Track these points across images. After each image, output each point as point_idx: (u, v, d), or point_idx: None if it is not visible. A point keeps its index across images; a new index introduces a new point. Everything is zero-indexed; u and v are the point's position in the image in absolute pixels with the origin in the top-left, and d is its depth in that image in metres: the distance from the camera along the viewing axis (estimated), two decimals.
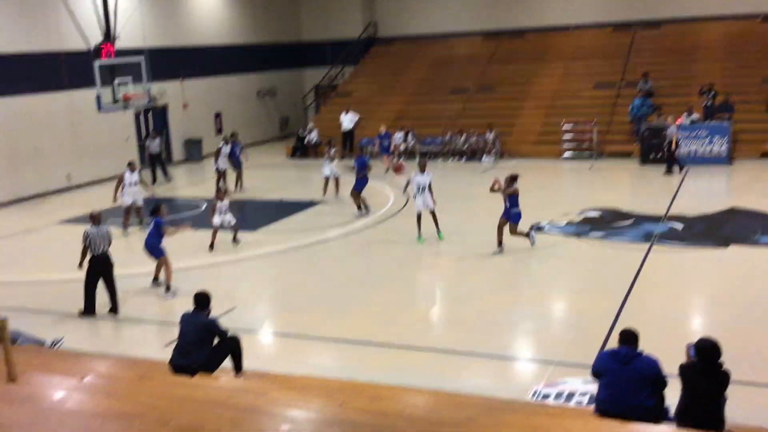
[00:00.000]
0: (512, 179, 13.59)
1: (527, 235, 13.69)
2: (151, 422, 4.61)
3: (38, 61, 21.19)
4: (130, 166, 16.46)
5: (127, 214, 16.38)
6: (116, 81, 17.95)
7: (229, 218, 14.72)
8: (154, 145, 22.16)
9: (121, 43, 19.59)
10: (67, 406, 5.15)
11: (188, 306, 8.12)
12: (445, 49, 30.61)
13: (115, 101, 18.01)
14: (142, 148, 25.04)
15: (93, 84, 17.70)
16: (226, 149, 20.18)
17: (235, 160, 20.40)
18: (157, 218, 12.32)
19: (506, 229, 13.57)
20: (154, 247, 12.24)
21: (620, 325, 8.38)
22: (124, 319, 11.36)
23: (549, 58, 28.17)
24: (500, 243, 13.54)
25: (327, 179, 18.78)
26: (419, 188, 14.50)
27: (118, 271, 11.60)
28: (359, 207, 17.02)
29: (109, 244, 11.42)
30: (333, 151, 18.94)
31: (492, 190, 13.58)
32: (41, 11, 21.17)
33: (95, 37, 18.13)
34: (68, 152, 22.27)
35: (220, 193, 14.95)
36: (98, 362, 8.04)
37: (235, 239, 14.98)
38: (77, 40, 18.27)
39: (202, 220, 16.07)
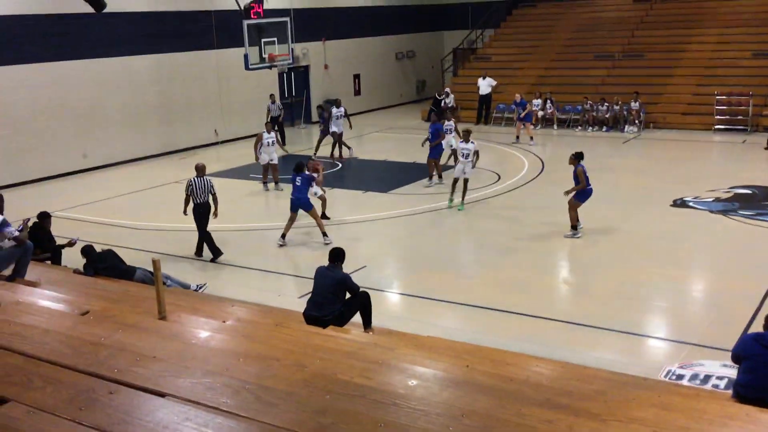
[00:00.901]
0: (576, 157, 12.74)
1: (574, 226, 12.79)
2: (289, 365, 4.85)
3: (192, 20, 22.31)
4: (267, 126, 17.28)
5: (265, 172, 17.15)
6: (263, 40, 18.55)
7: (316, 189, 13.94)
8: (274, 108, 22.15)
9: (268, 4, 20.26)
10: (212, 344, 5.51)
11: (319, 262, 8.41)
12: (592, 12, 29.44)
13: (261, 60, 18.64)
14: (284, 106, 25.92)
15: (240, 43, 18.40)
16: (338, 112, 20.01)
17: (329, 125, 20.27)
18: (303, 174, 12.89)
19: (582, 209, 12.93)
20: (305, 202, 12.85)
21: (766, 309, 7.93)
22: (262, 269, 11.93)
23: (704, 24, 26.46)
24: (574, 227, 12.90)
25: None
26: (463, 155, 14.71)
27: (256, 224, 12.06)
28: (430, 176, 16.87)
29: (212, 195, 12.19)
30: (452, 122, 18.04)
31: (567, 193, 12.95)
32: None
33: None
34: (216, 109, 23.41)
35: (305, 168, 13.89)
36: (238, 308, 8.51)
37: (324, 215, 14.13)
38: (228, 0, 19.04)
39: (337, 180, 16.46)
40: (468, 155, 14.72)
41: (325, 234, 12.90)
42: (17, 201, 15.61)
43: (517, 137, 21.96)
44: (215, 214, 12.30)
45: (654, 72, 25.09)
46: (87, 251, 10.07)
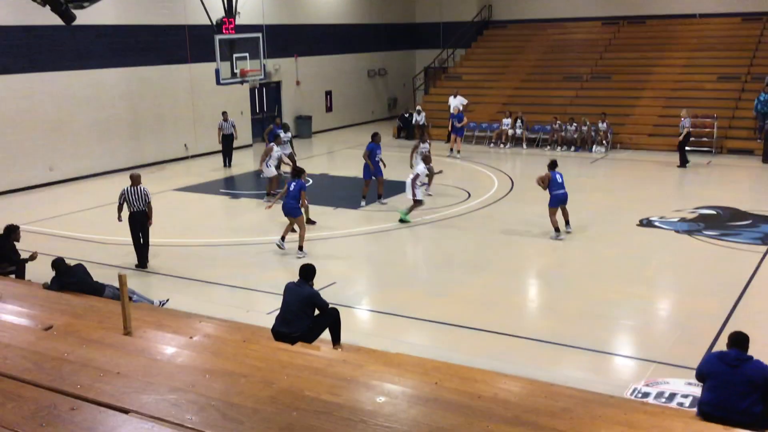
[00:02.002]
0: (550, 165, 14.13)
1: (556, 228, 13.84)
2: (256, 382, 4.81)
3: (164, 34, 22.21)
4: (277, 140, 17.57)
5: (270, 184, 17.25)
6: (234, 56, 18.51)
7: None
8: (227, 126, 21.61)
9: (241, 20, 20.25)
10: (178, 360, 5.45)
11: (289, 277, 8.37)
12: (561, 34, 29.92)
13: (233, 75, 18.58)
14: (255, 122, 25.88)
15: (212, 58, 18.35)
16: (285, 136, 19.23)
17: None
18: (299, 180, 13.13)
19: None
20: (293, 207, 13.02)
21: (730, 328, 8.05)
22: (230, 285, 11.84)
23: (671, 47, 27.04)
24: (560, 227, 13.95)
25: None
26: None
27: (224, 239, 11.96)
28: (364, 196, 16.69)
29: (146, 204, 12.45)
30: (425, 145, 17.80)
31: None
32: None
33: (217, 13, 18.76)
34: (187, 123, 23.27)
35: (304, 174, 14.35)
36: (206, 323, 8.43)
37: (309, 219, 14.73)
38: (201, 15, 18.99)
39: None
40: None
41: (301, 248, 13.00)
42: None
43: (451, 149, 22.46)
44: (150, 222, 12.61)
45: (621, 93, 25.54)
46: (57, 264, 9.88)
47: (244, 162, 22.49)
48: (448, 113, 25.71)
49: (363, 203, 16.63)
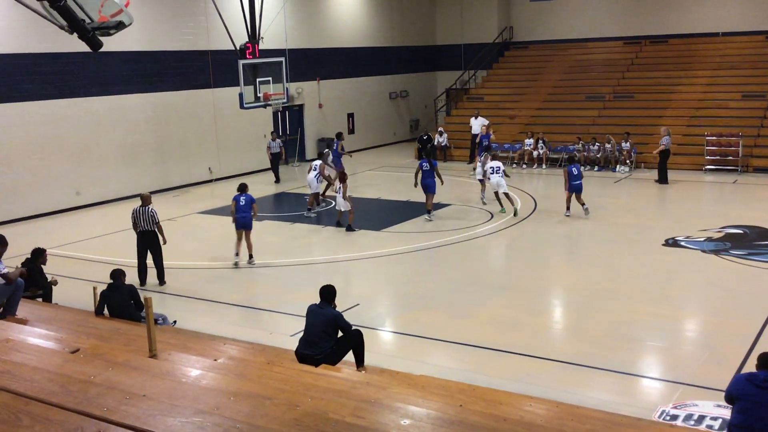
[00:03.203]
0: (569, 160, 17.54)
1: (567, 207, 16.92)
2: (281, 405, 4.80)
3: (188, 59, 22.54)
4: (321, 156, 19.30)
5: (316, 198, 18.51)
6: (258, 80, 18.72)
7: (344, 203, 16.19)
8: (275, 145, 22.93)
9: (263, 44, 20.49)
10: (203, 382, 5.45)
11: (311, 299, 8.38)
12: (583, 54, 29.90)
13: (256, 99, 18.78)
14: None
15: (236, 82, 18.56)
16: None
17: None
18: (248, 195, 13.86)
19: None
20: (249, 221, 13.76)
21: (759, 349, 7.92)
22: (253, 307, 11.88)
23: (694, 66, 26.90)
24: (567, 208, 16.97)
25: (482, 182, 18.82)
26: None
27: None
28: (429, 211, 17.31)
29: (155, 224, 12.74)
30: (483, 156, 18.97)
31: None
32: (194, 13, 22.50)
33: (241, 38, 19.02)
34: (211, 146, 23.51)
35: (345, 175, 16.33)
36: (230, 346, 8.45)
37: (350, 226, 16.29)
38: (224, 41, 19.25)
39: (329, 217, 16.52)
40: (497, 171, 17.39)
41: (251, 256, 13.80)
42: (10, 238, 15.50)
43: (474, 169, 22.41)
44: (164, 241, 12.87)
45: (644, 113, 25.40)
46: (114, 276, 9.93)
47: (267, 184, 22.62)
48: (469, 134, 25.75)
49: (431, 217, 17.09)
